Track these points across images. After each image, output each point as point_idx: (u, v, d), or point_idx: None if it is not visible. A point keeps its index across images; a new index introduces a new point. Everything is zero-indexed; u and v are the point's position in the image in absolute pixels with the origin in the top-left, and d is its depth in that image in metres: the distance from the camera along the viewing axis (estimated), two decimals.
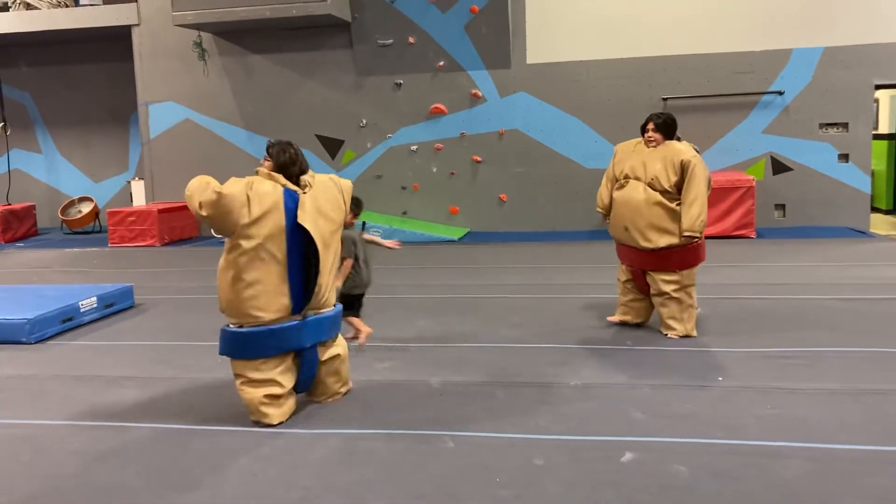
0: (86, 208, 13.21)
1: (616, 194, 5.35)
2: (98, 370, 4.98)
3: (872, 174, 10.62)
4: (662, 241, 5.14)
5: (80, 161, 13.90)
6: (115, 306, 6.66)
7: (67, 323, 6.03)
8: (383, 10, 11.05)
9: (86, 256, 10.34)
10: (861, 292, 6.46)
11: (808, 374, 4.42)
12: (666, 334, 5.27)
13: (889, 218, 11.90)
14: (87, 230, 13.12)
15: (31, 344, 5.63)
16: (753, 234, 9.78)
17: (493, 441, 3.61)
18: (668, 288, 5.21)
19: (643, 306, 5.54)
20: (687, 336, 5.21)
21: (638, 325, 5.58)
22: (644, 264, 5.29)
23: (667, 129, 5.24)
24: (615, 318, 5.68)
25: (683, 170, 5.08)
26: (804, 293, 6.51)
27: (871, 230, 10.21)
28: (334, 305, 4.18)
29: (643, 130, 5.35)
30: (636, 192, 5.19)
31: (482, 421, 3.86)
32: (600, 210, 5.59)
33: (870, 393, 4.07)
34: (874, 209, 11.32)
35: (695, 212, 5.04)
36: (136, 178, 12.61)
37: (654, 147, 5.25)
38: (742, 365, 4.64)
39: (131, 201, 12.53)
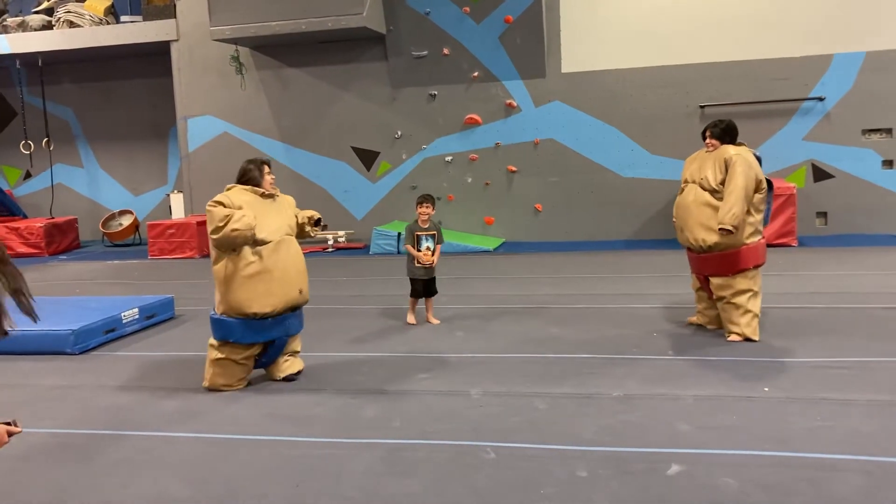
0: (126, 221, 13.43)
1: (677, 200, 5.51)
2: (141, 381, 5.04)
3: None
4: (710, 238, 5.17)
5: (121, 175, 14.14)
6: (157, 317, 6.75)
7: (110, 334, 6.12)
8: (418, 21, 11.10)
9: (126, 268, 10.50)
10: None
11: (857, 385, 4.31)
12: (727, 338, 5.23)
13: None
14: (127, 243, 13.34)
15: (76, 355, 5.72)
16: (795, 243, 9.61)
17: (535, 452, 3.57)
18: (723, 293, 5.23)
19: (716, 315, 5.58)
20: (747, 339, 5.16)
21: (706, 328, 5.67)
22: (703, 269, 5.36)
23: (723, 134, 5.36)
24: (693, 319, 5.81)
25: (727, 166, 5.13)
26: (848, 302, 6.37)
27: None
28: None
29: (703, 138, 5.50)
30: (689, 194, 5.33)
31: (524, 432, 3.83)
32: (674, 219, 5.65)
33: None
34: None
35: (727, 205, 5.04)
36: (175, 191, 12.79)
37: (712, 151, 5.36)
38: (787, 375, 4.54)
39: (170, 214, 12.71)
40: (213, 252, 4.70)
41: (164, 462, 3.65)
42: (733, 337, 5.23)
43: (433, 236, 6.23)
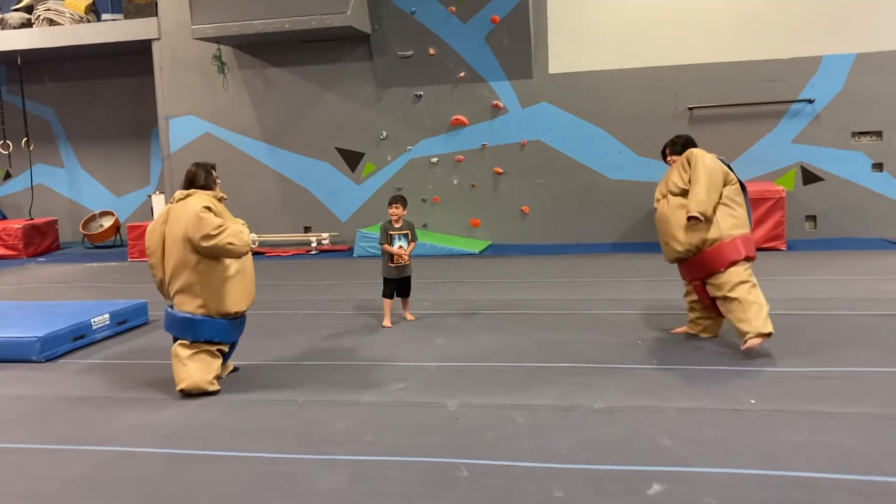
0: (107, 223, 13.21)
1: (655, 217, 5.46)
2: (106, 391, 4.85)
3: None
4: (694, 238, 5.08)
5: (102, 175, 13.92)
6: (129, 323, 6.56)
7: (79, 341, 5.93)
8: (403, 21, 10.93)
9: (105, 271, 10.30)
10: None
11: (847, 397, 4.16)
12: (743, 346, 4.94)
13: None
14: (108, 244, 13.13)
15: (42, 363, 5.53)
16: (784, 247, 9.48)
17: (510, 470, 3.40)
18: (721, 291, 5.07)
19: (710, 324, 5.48)
20: (761, 336, 4.88)
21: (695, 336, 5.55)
22: (696, 274, 5.24)
23: (682, 147, 5.42)
24: (679, 329, 5.68)
25: (689, 164, 5.17)
26: (839, 308, 6.24)
27: None
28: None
29: (664, 157, 5.61)
30: (663, 206, 5.30)
31: (500, 447, 3.66)
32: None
33: None
34: None
35: (692, 194, 5.03)
36: (157, 193, 12.57)
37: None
38: (775, 386, 4.39)
39: (152, 215, 12.49)
40: (184, 254, 4.57)
41: (120, 480, 3.47)
42: (750, 342, 4.88)
43: (406, 235, 6.35)
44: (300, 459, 3.61)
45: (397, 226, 6.38)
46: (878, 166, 10.09)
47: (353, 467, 3.49)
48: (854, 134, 10.09)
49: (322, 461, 3.58)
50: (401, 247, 6.33)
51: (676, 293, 6.14)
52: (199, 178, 4.83)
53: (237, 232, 4.56)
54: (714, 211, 5.05)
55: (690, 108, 10.34)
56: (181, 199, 4.73)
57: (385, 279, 6.42)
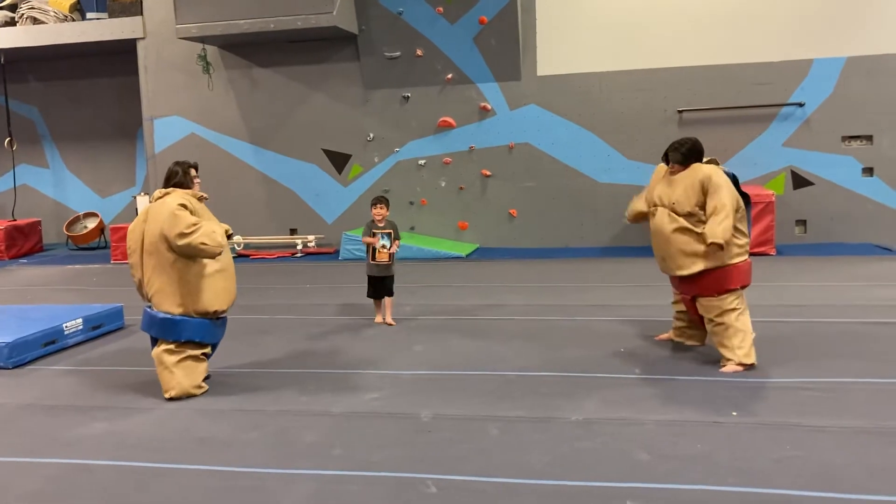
0: (91, 224, 13.04)
1: (651, 224, 5.20)
2: (72, 399, 4.71)
3: None
4: (696, 266, 4.88)
5: (88, 176, 13.74)
6: (104, 328, 6.41)
7: (50, 346, 5.78)
8: (391, 21, 10.80)
9: (87, 274, 10.14)
10: (888, 315, 6.07)
11: (832, 409, 4.05)
12: (720, 369, 4.82)
13: None
14: (92, 246, 12.96)
15: (9, 369, 5.38)
16: (773, 252, 9.38)
17: (482, 486, 3.28)
18: (710, 314, 4.94)
19: (696, 334, 5.37)
20: (741, 365, 4.77)
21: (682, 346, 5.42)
22: (688, 290, 5.07)
23: (686, 158, 5.02)
24: (664, 336, 5.56)
25: (703, 187, 4.84)
26: (827, 316, 6.13)
27: None
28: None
29: (665, 160, 5.20)
30: (663, 221, 5.00)
31: (473, 462, 3.54)
32: (626, 216, 5.47)
33: None
34: None
35: (717, 219, 4.74)
36: (142, 194, 12.41)
37: (680, 173, 5.05)
38: (759, 397, 4.28)
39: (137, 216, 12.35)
40: (161, 252, 4.53)
41: (75, 496, 3.33)
42: (729, 368, 4.79)
43: (389, 234, 6.34)
44: (263, 474, 3.48)
45: (381, 225, 6.38)
46: (869, 171, 10.00)
47: (317, 483, 3.36)
48: (844, 138, 10.00)
49: (286, 476, 3.45)
50: (383, 246, 6.31)
51: (662, 299, 6.04)
52: (175, 175, 4.77)
53: (210, 232, 4.49)
54: None
55: (680, 111, 10.23)
56: (159, 197, 4.71)
57: (369, 277, 6.43)
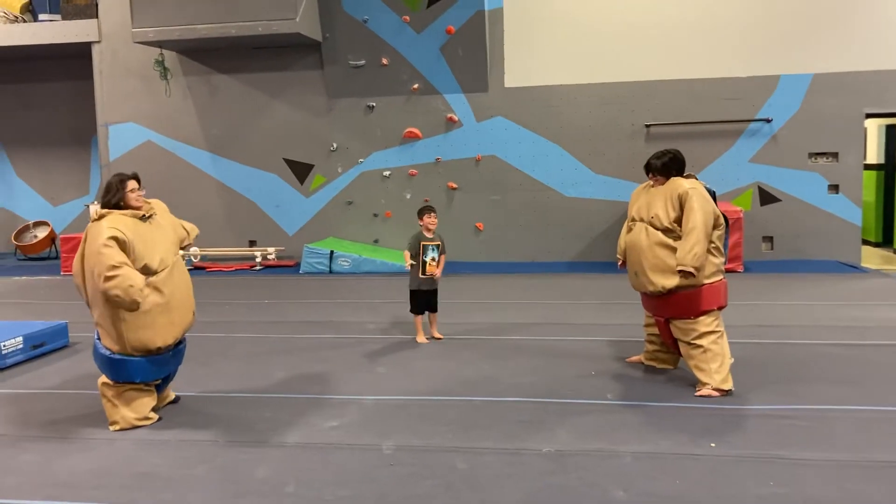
0: (42, 233, 12.55)
1: (626, 239, 4.99)
2: (6, 425, 4.35)
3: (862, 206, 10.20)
4: (669, 282, 4.67)
5: (39, 184, 13.24)
6: (46, 347, 6.03)
7: None
8: (355, 29, 10.55)
9: (34, 286, 9.69)
10: (862, 336, 5.96)
11: (813, 440, 3.87)
12: (697, 393, 4.63)
13: (879, 251, 11.49)
14: (42, 256, 12.46)
15: None
16: (741, 269, 9.29)
17: None
18: (685, 337, 4.73)
19: (668, 357, 5.18)
20: (718, 390, 4.58)
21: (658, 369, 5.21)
22: (662, 312, 4.85)
23: (667, 168, 4.82)
24: (635, 358, 5.37)
25: (682, 203, 4.65)
26: (800, 337, 6.00)
27: (863, 264, 9.76)
28: None
29: (647, 172, 4.97)
30: (640, 234, 4.81)
31: (437, 500, 3.28)
32: (619, 256, 5.18)
33: (887, 466, 3.52)
34: (864, 241, 10.87)
35: (687, 244, 4.55)
36: (95, 202, 11.97)
37: (660, 186, 4.85)
38: (737, 426, 4.09)
39: None
40: (95, 285, 4.11)
41: None
42: (706, 392, 4.60)
43: (438, 246, 6.11)
44: None
45: (430, 236, 6.09)
46: (835, 188, 9.99)
47: None
48: (811, 155, 9.99)
49: None
50: (433, 259, 6.07)
51: (634, 318, 5.86)
52: (109, 191, 4.25)
53: (127, 286, 3.99)
54: None
55: (647, 126, 10.13)
56: (96, 219, 4.23)
57: (413, 292, 6.15)
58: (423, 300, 6.14)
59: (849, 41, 9.72)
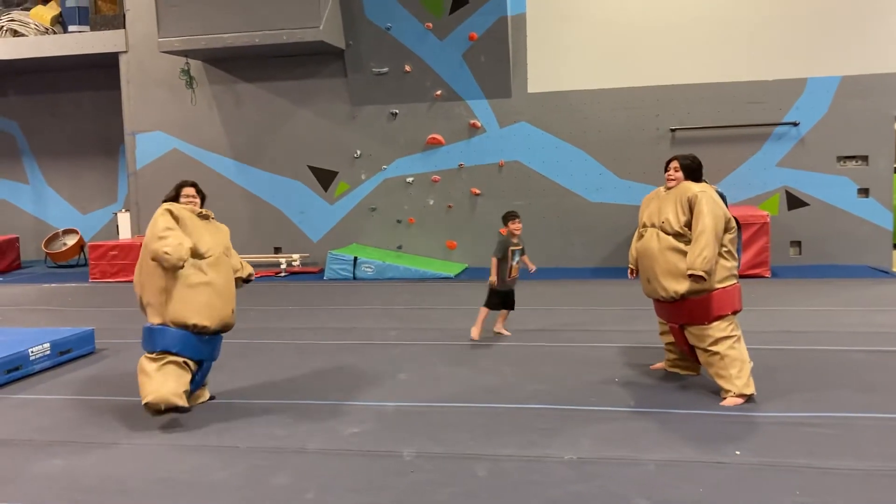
0: (71, 241, 12.74)
1: (637, 246, 4.93)
2: (29, 432, 4.40)
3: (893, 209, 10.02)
4: (681, 286, 4.59)
5: (68, 192, 13.47)
6: (72, 353, 6.10)
7: (14, 373, 5.47)
8: (378, 37, 10.60)
9: (63, 293, 9.83)
10: (891, 343, 5.84)
11: (840, 448, 3.80)
12: (721, 402, 4.54)
13: None
14: (71, 264, 12.65)
15: None
16: (768, 274, 9.17)
17: None
18: (701, 343, 4.66)
19: (689, 365, 5.10)
20: (741, 396, 4.51)
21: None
22: (675, 318, 4.79)
23: (690, 171, 4.77)
24: (659, 365, 5.32)
25: (691, 206, 4.58)
26: (827, 343, 5.90)
27: (894, 269, 9.59)
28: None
29: (666, 168, 4.90)
30: (651, 240, 4.75)
31: None
32: (630, 265, 5.13)
33: None
34: (895, 246, 10.68)
35: (696, 248, 4.48)
36: (123, 210, 12.15)
37: (674, 186, 4.78)
38: (762, 434, 4.02)
39: (117, 234, 12.06)
40: (146, 260, 4.48)
41: None
42: (730, 400, 4.52)
43: (521, 251, 6.46)
44: None
45: (515, 241, 6.38)
46: (864, 191, 9.84)
47: None
48: (840, 158, 9.84)
49: None
50: (518, 262, 6.44)
51: (655, 324, 5.78)
52: (170, 193, 4.75)
53: (177, 244, 4.34)
54: None
55: (672, 130, 10.05)
56: None
57: (495, 291, 6.43)
58: (508, 299, 6.50)
59: (877, 43, 9.58)
